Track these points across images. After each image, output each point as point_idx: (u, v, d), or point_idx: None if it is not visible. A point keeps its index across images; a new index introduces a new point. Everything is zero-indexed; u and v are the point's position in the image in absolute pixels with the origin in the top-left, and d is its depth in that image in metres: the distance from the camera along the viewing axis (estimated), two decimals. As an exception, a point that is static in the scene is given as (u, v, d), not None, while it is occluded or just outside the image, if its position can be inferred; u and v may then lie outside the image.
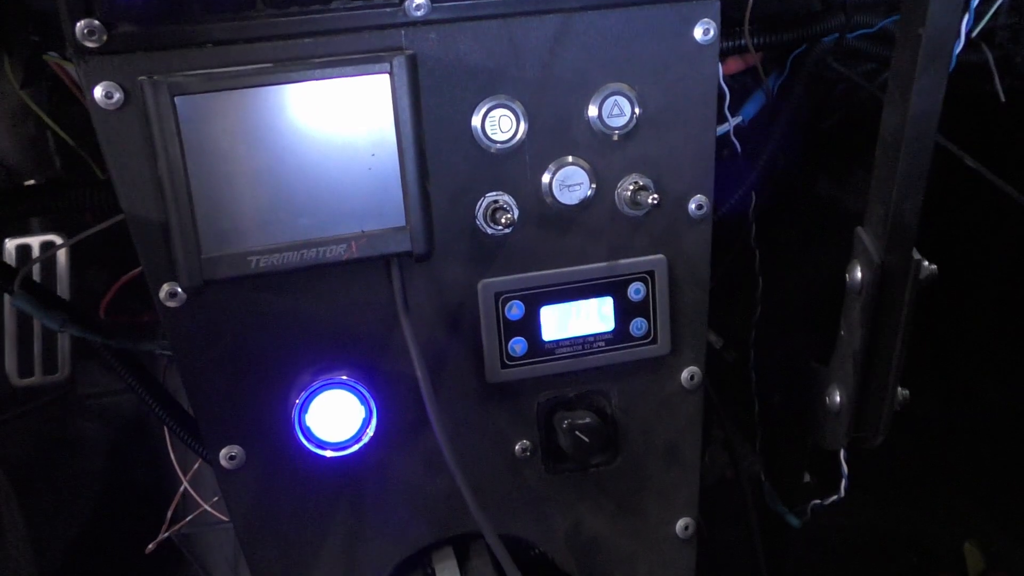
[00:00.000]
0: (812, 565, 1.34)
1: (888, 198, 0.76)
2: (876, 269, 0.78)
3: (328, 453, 0.72)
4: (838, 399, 0.87)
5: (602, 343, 0.81)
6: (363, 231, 0.69)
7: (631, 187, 0.77)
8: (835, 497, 0.99)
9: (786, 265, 1.16)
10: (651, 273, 0.80)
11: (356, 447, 0.72)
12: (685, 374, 0.84)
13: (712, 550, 1.28)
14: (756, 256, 1.08)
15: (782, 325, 1.18)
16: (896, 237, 0.77)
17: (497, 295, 0.77)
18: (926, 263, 0.80)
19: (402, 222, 0.69)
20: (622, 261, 0.79)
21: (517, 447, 0.81)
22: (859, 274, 0.81)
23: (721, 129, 0.93)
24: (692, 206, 0.79)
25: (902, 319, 0.81)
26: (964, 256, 1.38)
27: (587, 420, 0.80)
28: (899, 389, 0.86)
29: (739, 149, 0.95)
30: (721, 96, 0.89)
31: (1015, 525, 1.45)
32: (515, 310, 0.78)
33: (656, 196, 0.76)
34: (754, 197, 1.03)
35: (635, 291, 0.80)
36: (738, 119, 0.94)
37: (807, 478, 1.27)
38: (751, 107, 0.99)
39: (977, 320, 1.49)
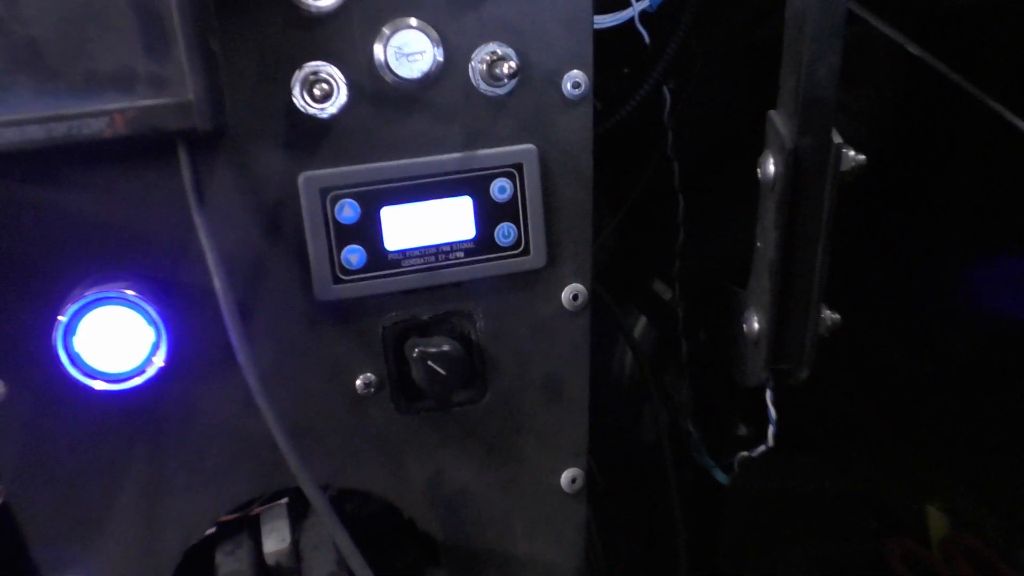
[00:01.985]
0: (752, 530, 1.24)
1: (798, 65, 0.65)
2: (788, 156, 0.67)
3: (106, 386, 0.60)
4: (756, 325, 0.76)
5: (460, 253, 0.69)
6: (132, 103, 0.57)
7: (488, 58, 0.65)
8: (763, 448, 0.88)
9: (712, 179, 1.06)
10: (518, 167, 0.68)
11: (141, 379, 0.60)
12: (567, 292, 0.72)
13: (637, 511, 1.18)
14: (675, 169, 0.97)
15: (710, 250, 1.07)
16: (810, 114, 0.65)
17: (324, 192, 0.65)
18: (852, 152, 0.69)
19: (182, 91, 0.57)
20: (481, 152, 0.67)
21: (359, 381, 0.69)
22: (771, 166, 0.70)
23: (623, 15, 0.82)
24: (567, 84, 0.67)
25: (823, 219, 0.70)
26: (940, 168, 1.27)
27: (444, 348, 0.69)
28: (826, 312, 0.75)
29: (648, 40, 0.84)
30: (621, -29, 0.78)
31: (982, 486, 1.35)
32: (348, 211, 0.66)
33: (514, 65, 0.64)
34: (668, 98, 0.92)
35: (499, 189, 0.68)
36: (644, 3, 0.82)
37: (742, 430, 1.16)
38: (659, -12, 0.88)
39: (950, 255, 1.38)
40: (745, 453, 0.92)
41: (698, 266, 1.04)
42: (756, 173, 0.71)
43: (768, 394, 0.83)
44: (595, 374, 0.82)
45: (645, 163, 1.04)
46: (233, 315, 0.60)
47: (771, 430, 0.86)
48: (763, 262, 0.73)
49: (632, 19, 0.82)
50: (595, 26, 0.71)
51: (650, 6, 0.83)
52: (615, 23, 0.81)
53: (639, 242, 1.19)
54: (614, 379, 1.23)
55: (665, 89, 0.91)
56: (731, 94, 1.07)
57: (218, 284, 0.60)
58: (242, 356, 0.60)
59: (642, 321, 1.25)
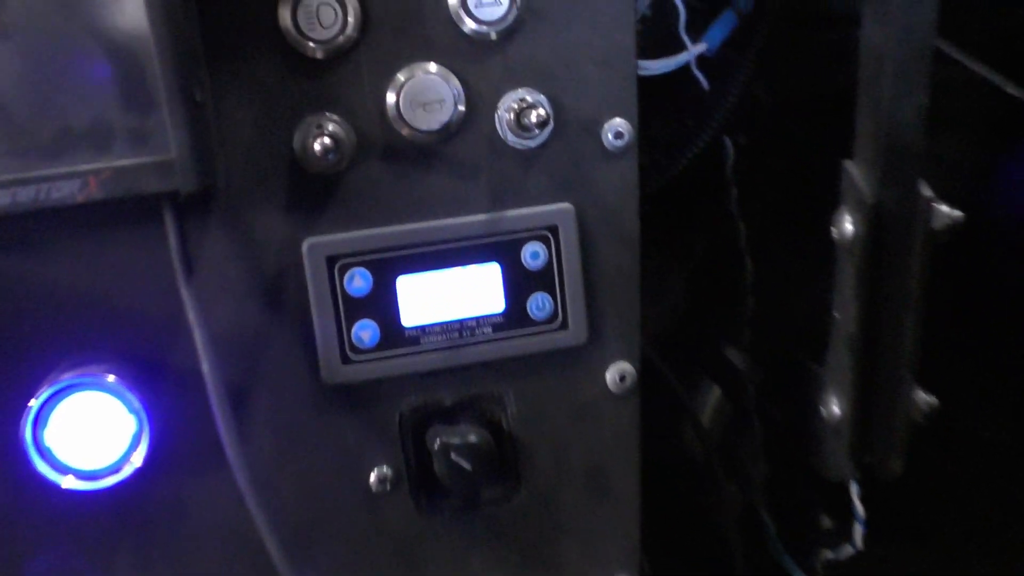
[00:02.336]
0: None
1: (877, 106, 0.56)
2: (869, 213, 0.58)
3: (77, 484, 0.53)
4: (836, 410, 0.66)
5: (488, 329, 0.60)
6: (109, 163, 0.51)
7: (516, 106, 0.58)
8: (850, 550, 0.77)
9: (784, 239, 0.96)
10: (553, 230, 0.60)
11: (115, 477, 0.53)
12: (612, 373, 0.63)
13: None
14: (741, 229, 0.88)
15: (784, 317, 0.96)
16: (893, 163, 0.56)
17: (331, 260, 0.57)
18: (944, 207, 0.59)
19: (164, 149, 0.51)
20: (511, 213, 0.59)
21: (373, 476, 0.61)
22: (848, 224, 0.61)
23: (676, 60, 0.74)
24: (608, 134, 0.59)
25: (912, 285, 0.60)
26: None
27: (471, 438, 0.60)
28: (920, 394, 0.65)
29: (706, 86, 0.76)
30: (675, 14, 0.71)
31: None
32: (359, 282, 0.58)
33: (544, 112, 0.56)
34: (732, 150, 0.83)
35: (532, 255, 0.60)
36: (702, 47, 0.75)
37: (827, 522, 1.04)
38: (719, 30, 0.80)
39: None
40: (830, 555, 0.81)
41: (771, 336, 0.94)
42: (831, 233, 0.62)
43: (853, 489, 0.72)
44: (660, 449, 0.72)
45: (710, 220, 0.95)
46: (222, 403, 0.52)
47: (858, 531, 0.75)
48: (842, 336, 0.63)
49: (688, 64, 0.74)
50: (644, 72, 0.64)
51: (708, 50, 0.75)
52: (665, 70, 0.74)
53: (709, 304, 1.09)
54: (682, 455, 1.13)
55: (728, 141, 0.83)
56: (804, 146, 0.98)
57: (207, 367, 0.52)
58: (231, 450, 0.52)
59: (716, 392, 1.14)
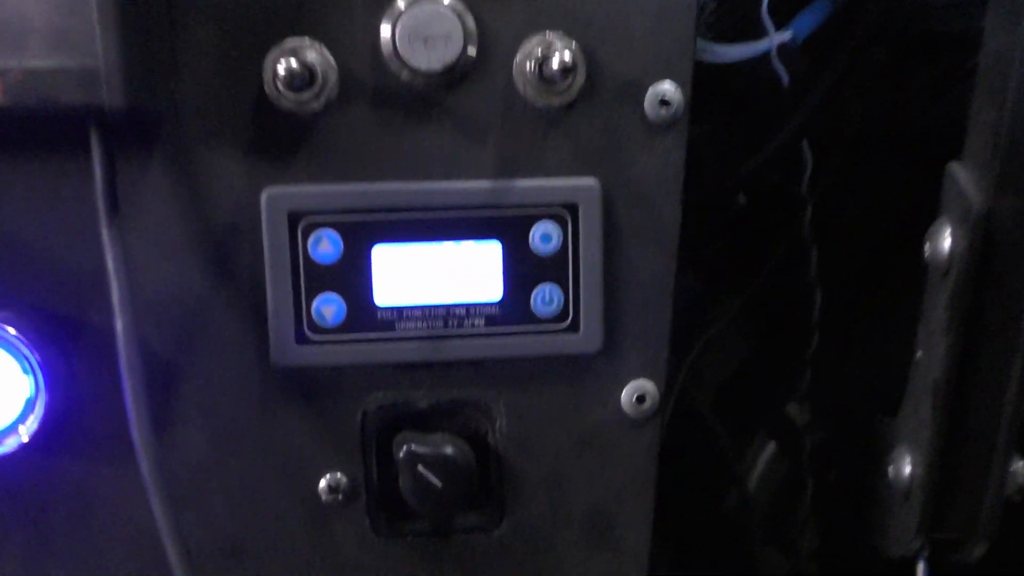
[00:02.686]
0: None
1: (1000, 99, 0.44)
2: (977, 224, 0.45)
3: (-42, 449, 0.44)
4: (907, 469, 0.53)
5: (480, 320, 0.50)
6: (21, 63, 0.42)
7: (538, 52, 0.47)
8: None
9: (863, 270, 0.82)
10: (571, 208, 0.49)
11: (9, 443, 0.44)
12: (629, 392, 0.51)
13: None
14: (812, 256, 0.75)
15: (855, 363, 0.83)
16: (1014, 164, 0.44)
17: (295, 217, 0.47)
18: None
19: (90, 54, 0.42)
20: (521, 183, 0.49)
21: (323, 483, 0.51)
22: (946, 240, 0.48)
23: (760, 46, 0.62)
24: (652, 101, 0.48)
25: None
26: None
27: (446, 450, 0.49)
28: (1020, 464, 0.52)
29: (786, 80, 0.64)
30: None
31: None
32: (326, 246, 0.48)
33: (570, 58, 0.46)
34: (809, 159, 0.71)
35: (542, 237, 0.49)
36: (786, 34, 0.62)
37: (882, 602, 0.89)
38: (809, 18, 0.67)
39: None
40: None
41: (836, 385, 0.81)
42: (922, 252, 0.49)
43: (920, 568, 0.59)
44: (696, 510, 0.60)
45: (776, 243, 0.83)
46: (133, 372, 0.43)
47: (926, 623, 0.62)
48: (924, 380, 0.51)
49: (768, 53, 0.62)
50: (714, 58, 0.53)
51: (793, 40, 0.63)
52: (739, 58, 0.62)
53: (770, 347, 0.96)
54: (725, 516, 1.00)
55: (807, 151, 0.70)
56: (895, 167, 0.84)
57: (120, 327, 0.43)
58: (137, 432, 0.43)
59: (770, 448, 1.01)
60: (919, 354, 0.52)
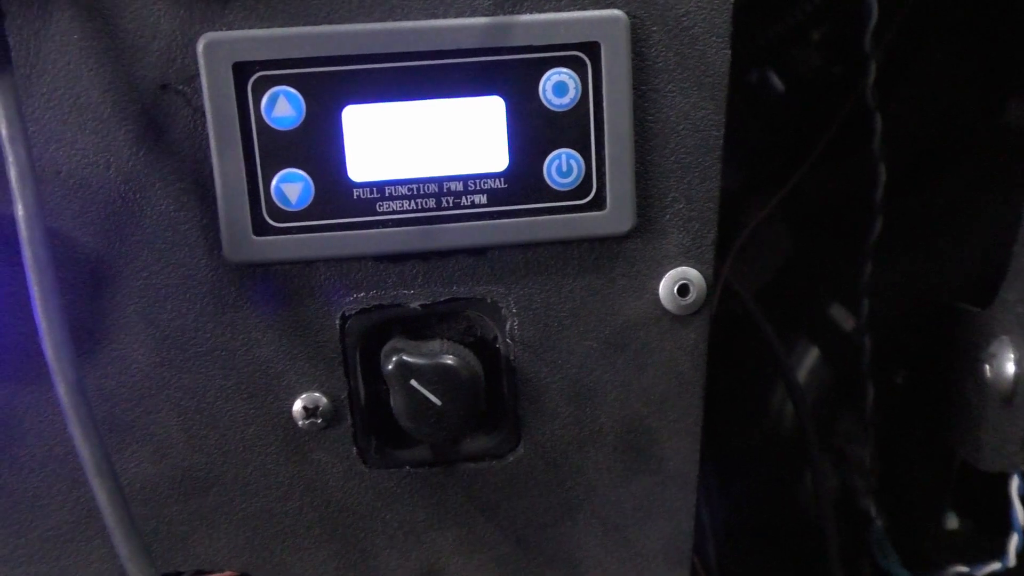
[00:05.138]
0: None
1: None
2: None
3: None
4: (1009, 368, 0.44)
5: (482, 197, 0.41)
6: None
7: None
8: (997, 565, 0.56)
9: (933, 142, 0.72)
10: (590, 49, 0.39)
11: None
12: (669, 281, 0.42)
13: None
14: (876, 124, 0.65)
15: (925, 253, 0.73)
16: None
17: (242, 70, 0.37)
18: None
19: None
20: (526, 18, 0.39)
21: (298, 405, 0.42)
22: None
23: None
24: None
25: None
26: None
27: (445, 359, 0.41)
28: None
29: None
30: None
31: None
32: (285, 108, 0.39)
33: None
34: (875, 5, 0.60)
35: (556, 88, 0.40)
36: None
37: (953, 522, 0.81)
38: None
39: None
40: (963, 570, 0.59)
41: (901, 277, 0.71)
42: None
43: (1015, 485, 0.51)
44: (741, 419, 0.51)
45: (826, 122, 0.73)
46: (40, 268, 0.34)
47: (1015, 540, 0.54)
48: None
49: None
50: None
51: None
52: None
53: (817, 251, 0.87)
54: (768, 430, 0.91)
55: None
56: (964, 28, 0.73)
57: (22, 213, 0.34)
58: (51, 347, 0.34)
59: (813, 354, 0.92)
60: (1022, 236, 0.43)
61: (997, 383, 0.44)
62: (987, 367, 0.45)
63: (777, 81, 0.69)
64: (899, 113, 0.65)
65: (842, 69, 0.65)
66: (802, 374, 0.86)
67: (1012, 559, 0.54)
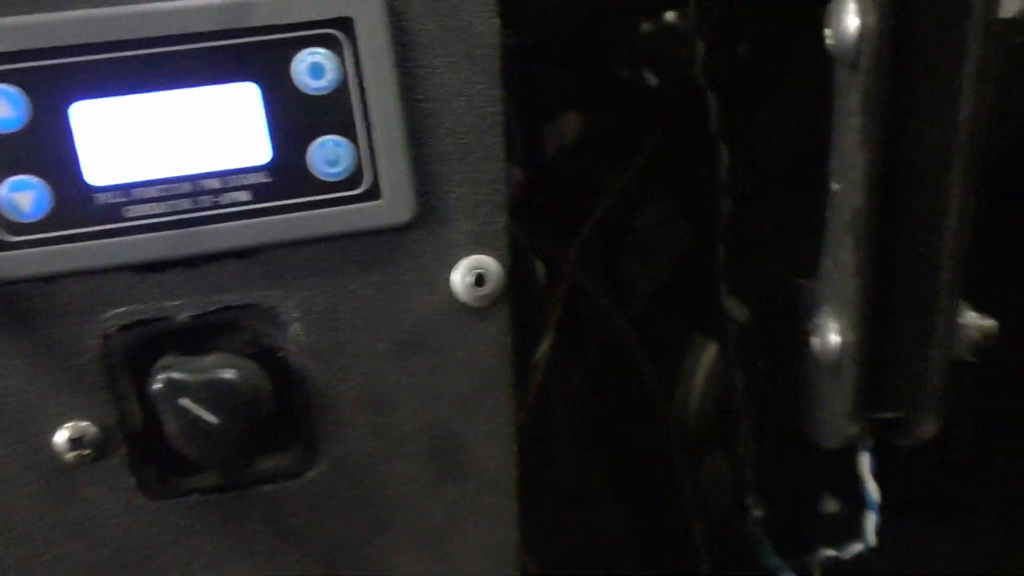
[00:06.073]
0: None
1: None
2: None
3: None
4: (832, 338, 0.43)
5: (245, 193, 0.37)
6: None
7: None
8: (859, 547, 0.54)
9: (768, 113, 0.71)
10: (343, 25, 0.36)
11: None
12: (461, 271, 0.40)
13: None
14: (713, 105, 0.63)
15: (773, 229, 0.72)
16: None
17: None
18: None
19: None
20: (270, -6, 0.37)
21: (61, 436, 0.39)
22: (851, 18, 0.37)
23: None
24: None
25: (961, 116, 0.36)
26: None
27: (219, 373, 0.38)
28: (970, 314, 0.42)
29: None
30: None
31: None
32: (5, 108, 0.35)
33: None
34: None
35: (311, 70, 0.37)
36: None
37: (831, 506, 0.79)
38: None
39: None
40: (832, 553, 0.57)
41: (759, 256, 0.70)
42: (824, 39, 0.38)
43: (863, 460, 0.49)
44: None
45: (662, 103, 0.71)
46: None
47: (871, 519, 0.52)
48: (842, 216, 0.40)
49: None
50: None
51: None
52: None
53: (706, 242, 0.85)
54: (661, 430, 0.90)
55: None
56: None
57: None
58: None
59: (711, 349, 0.90)
60: (835, 187, 0.41)
61: (824, 355, 0.42)
62: (815, 340, 0.43)
63: (651, 76, 0.67)
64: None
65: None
66: (703, 370, 0.85)
67: (872, 538, 0.53)
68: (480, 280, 0.39)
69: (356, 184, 0.37)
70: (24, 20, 0.34)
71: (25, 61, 0.34)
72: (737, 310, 0.83)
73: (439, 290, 0.39)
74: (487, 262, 0.39)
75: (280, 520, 0.40)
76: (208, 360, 0.38)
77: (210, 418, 0.37)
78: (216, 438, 0.37)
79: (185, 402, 0.37)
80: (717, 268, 0.76)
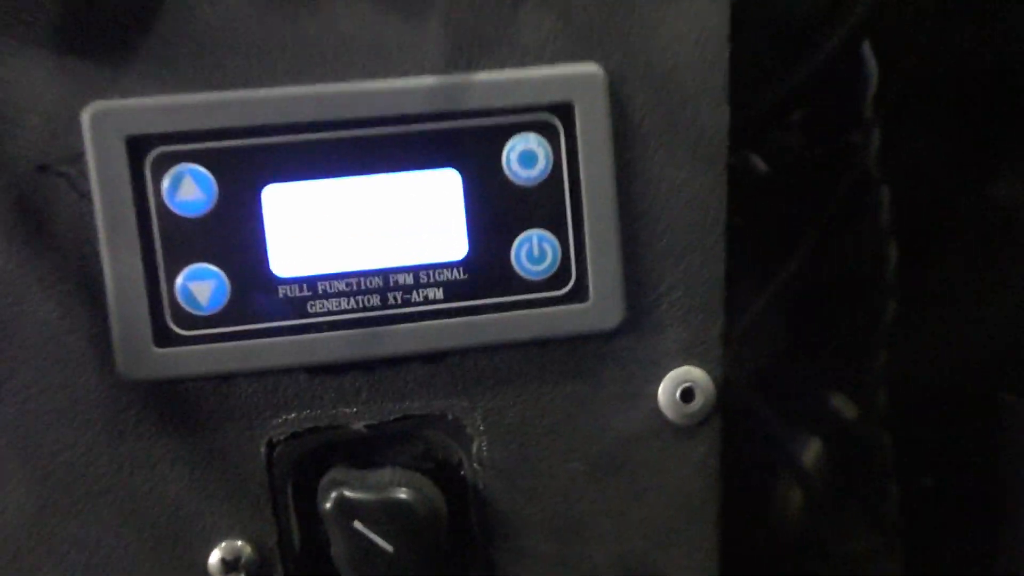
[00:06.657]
0: None
1: None
2: None
3: None
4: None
5: (437, 291, 0.34)
6: None
7: None
8: None
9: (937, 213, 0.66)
10: (563, 111, 0.33)
11: None
12: (669, 385, 0.35)
13: None
14: (883, 196, 0.59)
15: (947, 333, 0.67)
16: None
17: (138, 145, 0.31)
18: None
19: None
20: (482, 76, 0.33)
21: (215, 556, 0.34)
22: None
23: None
24: None
25: None
26: None
27: (398, 494, 0.33)
28: None
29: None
30: None
31: None
32: (191, 190, 0.32)
33: None
34: (875, 68, 0.55)
35: (522, 158, 0.34)
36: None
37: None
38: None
39: None
40: None
41: (910, 364, 0.65)
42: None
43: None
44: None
45: (818, 202, 0.67)
46: None
47: None
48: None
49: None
50: None
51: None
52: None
53: (814, 337, 0.80)
54: (770, 526, 0.83)
55: (869, 58, 0.54)
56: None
57: None
58: None
59: (815, 446, 0.84)
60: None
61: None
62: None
63: (760, 163, 0.63)
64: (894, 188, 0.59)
65: (823, 150, 0.60)
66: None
67: None
68: (688, 395, 0.35)
69: (561, 284, 0.34)
70: (217, 97, 0.31)
71: (216, 140, 0.31)
72: (846, 408, 0.78)
73: (643, 405, 0.35)
74: (697, 375, 0.35)
75: (449, 663, 0.36)
76: (383, 475, 0.34)
77: (385, 545, 0.33)
78: (389, 566, 0.33)
79: (358, 525, 0.33)
80: (823, 363, 0.72)
